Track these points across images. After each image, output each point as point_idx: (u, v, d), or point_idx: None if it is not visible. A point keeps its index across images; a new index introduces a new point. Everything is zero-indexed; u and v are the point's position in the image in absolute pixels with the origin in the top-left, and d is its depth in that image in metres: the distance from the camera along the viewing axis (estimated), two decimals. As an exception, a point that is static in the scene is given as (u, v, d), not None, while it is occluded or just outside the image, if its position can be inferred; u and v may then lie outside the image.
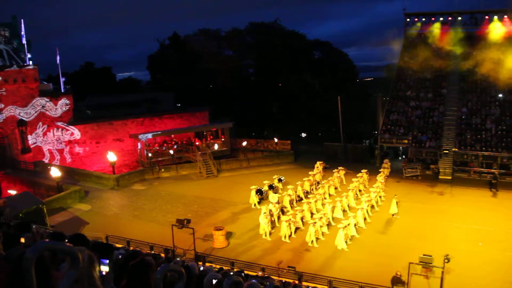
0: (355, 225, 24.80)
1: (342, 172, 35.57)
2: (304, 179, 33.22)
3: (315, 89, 64.66)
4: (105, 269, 3.96)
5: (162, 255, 18.73)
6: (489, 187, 34.14)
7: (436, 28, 51.88)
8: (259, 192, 30.71)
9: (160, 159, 43.07)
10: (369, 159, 43.72)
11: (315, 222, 23.84)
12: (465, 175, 37.88)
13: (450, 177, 37.57)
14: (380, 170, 36.59)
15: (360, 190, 32.12)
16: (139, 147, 43.78)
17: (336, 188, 33.28)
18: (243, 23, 74.96)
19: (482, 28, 49.79)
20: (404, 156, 44.85)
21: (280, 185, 33.43)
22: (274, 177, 33.99)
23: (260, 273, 18.89)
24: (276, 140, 48.14)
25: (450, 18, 51.89)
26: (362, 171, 34.79)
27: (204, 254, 22.03)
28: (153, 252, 20.43)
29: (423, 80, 48.93)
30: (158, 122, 48.54)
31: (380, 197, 30.40)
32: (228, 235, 24.89)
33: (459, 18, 51.63)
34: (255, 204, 30.09)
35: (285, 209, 28.36)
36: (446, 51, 49.12)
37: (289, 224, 24.44)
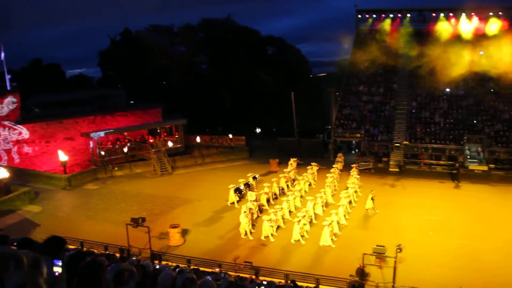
0: (337, 222, 25.02)
1: (315, 168, 35.53)
2: (280, 175, 33.19)
3: (268, 85, 64.91)
4: (58, 270, 3.87)
5: (117, 255, 18.47)
6: (451, 178, 35.68)
7: (386, 24, 53.32)
8: (237, 190, 30.44)
9: (113, 157, 42.31)
10: (323, 153, 44.33)
11: (299, 220, 23.73)
12: (416, 167, 39.06)
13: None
14: (333, 165, 37.22)
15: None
16: (91, 146, 42.84)
17: (310, 184, 33.45)
18: (195, 19, 74.21)
19: (430, 25, 51.52)
20: (357, 150, 45.80)
21: (254, 183, 32.92)
22: (248, 175, 33.35)
23: (217, 270, 18.89)
24: (230, 136, 48.09)
25: (399, 15, 53.37)
26: (334, 166, 35.32)
27: (160, 252, 21.84)
28: (107, 252, 20.09)
29: (375, 75, 50.11)
30: (111, 120, 47.62)
31: (356, 192, 30.76)
32: (184, 232, 24.74)
33: (408, 15, 53.22)
34: (232, 203, 29.76)
35: (263, 207, 28.28)
36: (396, 47, 50.41)
37: (271, 223, 24.28)
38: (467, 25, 49.68)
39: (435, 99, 45.32)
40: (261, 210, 27.83)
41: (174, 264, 18.73)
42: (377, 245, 19.41)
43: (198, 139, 48.51)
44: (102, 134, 42.22)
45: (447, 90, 45.56)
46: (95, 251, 17.24)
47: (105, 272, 3.08)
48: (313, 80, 79.60)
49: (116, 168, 39.45)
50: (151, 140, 44.83)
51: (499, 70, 40.96)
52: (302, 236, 23.65)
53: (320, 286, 18.43)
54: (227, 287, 6.56)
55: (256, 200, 27.46)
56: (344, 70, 53.35)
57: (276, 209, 25.60)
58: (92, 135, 41.67)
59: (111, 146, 43.82)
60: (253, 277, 18.52)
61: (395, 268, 17.93)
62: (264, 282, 13.95)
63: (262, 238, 24.02)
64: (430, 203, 29.85)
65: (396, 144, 40.23)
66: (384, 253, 19.10)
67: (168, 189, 34.56)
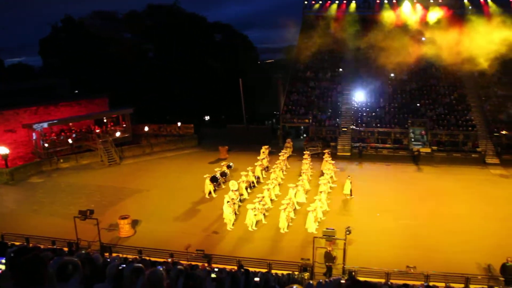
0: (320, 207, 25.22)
1: (286, 155, 35.63)
2: (255, 164, 32.93)
3: (216, 72, 64.58)
4: (1, 267, 3.78)
5: (66, 249, 18.05)
6: (413, 161, 37.13)
7: (332, 10, 54.17)
8: (213, 179, 30.02)
9: (58, 149, 40.97)
10: (271, 139, 44.62)
11: (285, 208, 23.72)
12: (363, 151, 40.01)
13: (349, 154, 39.58)
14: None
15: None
16: (34, 138, 41.34)
17: (282, 171, 33.49)
18: (141, 5, 72.18)
19: (375, 12, 52.71)
20: (305, 135, 46.40)
21: (228, 172, 32.60)
22: (222, 164, 33.26)
23: (169, 260, 18.79)
24: (179, 124, 47.61)
25: (345, 1, 54.32)
26: (304, 152, 35.44)
27: (110, 245, 21.51)
28: (55, 247, 19.60)
29: (321, 61, 50.80)
30: (54, 110, 45.95)
31: (331, 177, 31.21)
32: (134, 223, 24.43)
33: (353, 1, 54.22)
34: (210, 192, 29.43)
35: (242, 197, 28.11)
36: (342, 33, 51.20)
37: (255, 212, 24.21)
38: (410, 13, 51.17)
39: (380, 84, 46.43)
40: (240, 200, 27.76)
41: (126, 256, 18.50)
42: (327, 228, 19.84)
43: (146, 128, 47.76)
44: (45, 125, 40.80)
45: (392, 75, 46.77)
46: (42, 246, 16.76)
47: (47, 266, 3.01)
48: (261, 66, 79.81)
49: (61, 160, 38.39)
50: (97, 130, 43.76)
51: (440, 56, 42.38)
52: (287, 224, 23.81)
53: (273, 270, 18.68)
54: (177, 275, 6.54)
55: (237, 190, 27.40)
56: (291, 57, 53.74)
57: (260, 198, 25.54)
58: (34, 126, 40.20)
59: (55, 138, 42.40)
60: (206, 265, 18.56)
61: (345, 250, 18.47)
62: (216, 269, 14.01)
63: (250, 229, 23.95)
64: (376, 186, 30.99)
65: (343, 129, 41.08)
66: (333, 236, 19.54)
67: (117, 179, 34.00)
